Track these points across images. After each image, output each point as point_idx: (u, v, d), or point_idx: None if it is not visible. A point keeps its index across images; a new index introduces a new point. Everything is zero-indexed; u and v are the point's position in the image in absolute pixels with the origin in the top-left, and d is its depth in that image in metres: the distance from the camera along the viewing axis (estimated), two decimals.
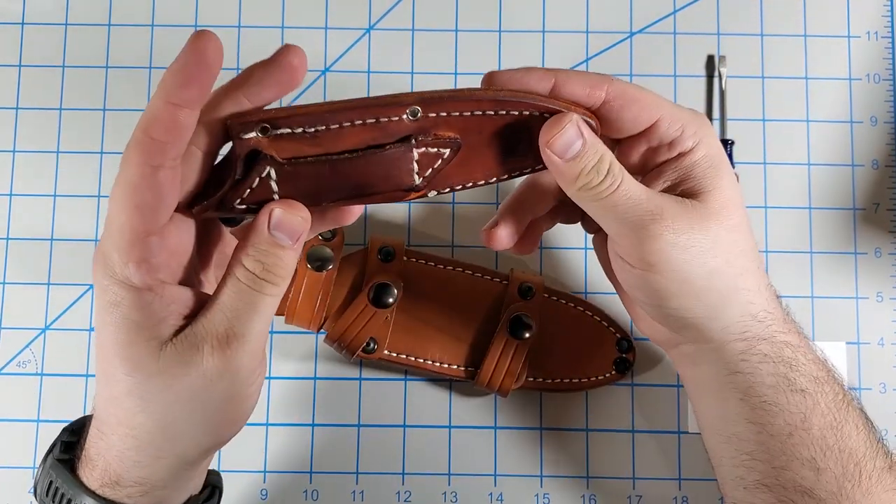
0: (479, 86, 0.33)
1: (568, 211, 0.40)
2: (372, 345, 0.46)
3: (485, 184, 0.34)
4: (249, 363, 0.31)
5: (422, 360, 0.47)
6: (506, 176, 0.34)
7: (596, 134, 0.33)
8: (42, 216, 0.50)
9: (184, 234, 0.31)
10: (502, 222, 0.38)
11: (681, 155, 0.35)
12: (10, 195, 0.50)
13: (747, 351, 0.35)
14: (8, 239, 0.50)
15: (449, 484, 0.48)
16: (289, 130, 0.29)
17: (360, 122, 0.30)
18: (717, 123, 0.51)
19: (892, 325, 0.49)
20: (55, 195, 0.50)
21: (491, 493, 0.48)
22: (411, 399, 0.49)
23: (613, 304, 0.49)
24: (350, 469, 0.48)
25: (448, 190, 0.33)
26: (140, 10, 0.52)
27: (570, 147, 0.32)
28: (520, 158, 0.33)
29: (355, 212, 0.35)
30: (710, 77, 0.52)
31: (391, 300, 0.45)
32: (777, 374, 0.35)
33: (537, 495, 0.48)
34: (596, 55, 0.52)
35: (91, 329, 0.49)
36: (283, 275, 0.31)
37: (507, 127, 0.32)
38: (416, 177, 0.32)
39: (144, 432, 0.31)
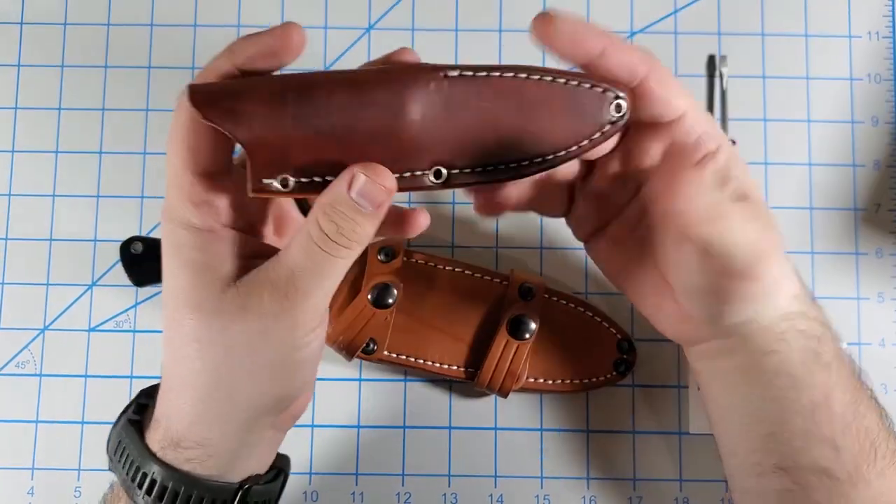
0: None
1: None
2: (372, 345, 0.46)
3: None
4: (307, 320, 0.30)
5: (422, 361, 0.46)
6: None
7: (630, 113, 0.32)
8: (41, 216, 0.50)
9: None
10: None
11: (705, 158, 0.34)
12: (10, 195, 0.50)
13: (788, 329, 0.34)
14: (7, 239, 0.50)
15: (449, 485, 0.48)
16: None
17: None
18: (717, 124, 0.51)
19: (894, 325, 0.49)
20: (54, 195, 0.50)
21: (491, 495, 0.48)
22: (411, 400, 0.49)
23: (614, 305, 0.49)
24: (350, 470, 0.48)
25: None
26: (140, 10, 0.52)
27: None
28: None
29: (421, 222, 0.34)
30: (710, 77, 0.51)
31: (391, 300, 0.45)
32: (807, 350, 0.34)
33: (537, 496, 0.48)
34: None
35: (91, 329, 0.49)
36: (357, 240, 0.29)
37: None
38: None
39: (202, 383, 0.31)
